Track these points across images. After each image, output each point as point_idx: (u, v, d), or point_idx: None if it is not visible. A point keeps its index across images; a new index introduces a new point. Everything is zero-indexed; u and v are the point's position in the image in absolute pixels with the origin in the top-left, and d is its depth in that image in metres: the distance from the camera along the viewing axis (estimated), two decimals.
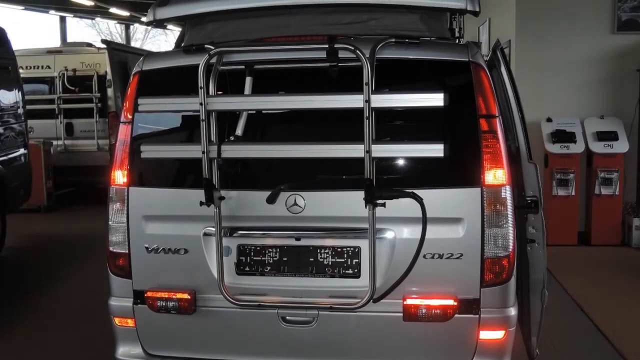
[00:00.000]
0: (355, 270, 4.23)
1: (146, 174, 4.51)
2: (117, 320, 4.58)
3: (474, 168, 4.07)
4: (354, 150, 3.81)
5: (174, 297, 4.34)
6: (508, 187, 4.09)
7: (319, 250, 4.27)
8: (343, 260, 4.25)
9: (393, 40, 4.06)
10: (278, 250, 4.33)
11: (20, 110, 11.39)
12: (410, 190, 3.88)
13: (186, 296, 4.32)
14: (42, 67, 14.94)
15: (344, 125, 4.23)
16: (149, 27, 45.93)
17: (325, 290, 4.24)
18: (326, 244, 4.27)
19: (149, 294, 4.39)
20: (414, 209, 3.87)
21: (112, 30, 49.57)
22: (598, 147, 10.21)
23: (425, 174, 4.21)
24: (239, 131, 4.16)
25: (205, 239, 4.33)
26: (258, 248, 4.35)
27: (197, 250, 4.35)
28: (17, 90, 11.31)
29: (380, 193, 3.84)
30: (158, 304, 4.37)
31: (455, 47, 4.49)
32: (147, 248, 4.41)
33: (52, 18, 35.36)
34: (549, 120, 10.40)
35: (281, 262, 4.32)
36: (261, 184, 4.31)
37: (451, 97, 3.81)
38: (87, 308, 7.48)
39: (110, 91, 14.68)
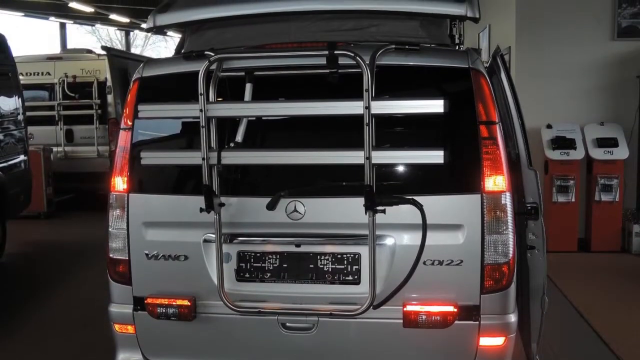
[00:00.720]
0: (355, 277, 4.23)
1: (146, 180, 4.52)
2: (117, 327, 4.58)
3: (474, 174, 4.07)
4: (354, 157, 3.82)
5: (174, 303, 4.34)
6: (508, 194, 4.09)
7: (319, 257, 4.27)
8: (343, 266, 4.25)
9: (393, 46, 4.07)
10: (278, 256, 4.33)
11: (20, 117, 11.39)
12: (410, 197, 3.89)
13: (186, 303, 4.32)
14: (42, 73, 14.94)
15: (344, 132, 4.23)
16: (149, 34, 45.97)
17: (325, 297, 4.24)
18: (326, 250, 4.27)
19: (149, 300, 4.39)
20: (414, 216, 3.87)
21: (112, 36, 49.68)
22: (598, 154, 10.21)
23: (425, 181, 4.21)
24: (239, 138, 4.16)
25: (205, 245, 4.33)
26: (258, 254, 4.34)
27: (197, 256, 4.35)
28: (17, 97, 11.31)
29: (380, 199, 3.84)
30: (158, 310, 4.36)
31: (455, 54, 4.49)
32: (147, 254, 4.41)
33: (52, 25, 35.41)
34: (549, 126, 10.40)
35: (281, 268, 4.32)
36: (261, 191, 4.31)
37: (451, 103, 3.82)
38: (87, 314, 7.48)
39: (110, 98, 14.67)
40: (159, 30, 4.67)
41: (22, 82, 12.04)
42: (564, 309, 7.67)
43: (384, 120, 3.95)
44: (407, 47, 4.12)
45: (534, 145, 6.66)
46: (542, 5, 10.59)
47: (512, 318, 4.26)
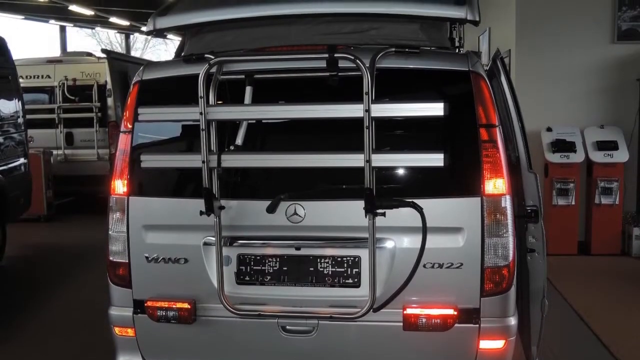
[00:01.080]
0: (355, 280, 4.23)
1: (146, 183, 4.52)
2: (117, 330, 4.58)
3: (474, 177, 4.07)
4: (354, 160, 3.81)
5: (174, 306, 4.34)
6: (508, 197, 4.09)
7: (319, 260, 4.27)
8: (343, 269, 4.24)
9: (393, 49, 4.07)
10: (278, 259, 4.33)
11: (20, 120, 11.39)
12: (410, 200, 3.88)
13: (186, 306, 4.32)
14: (42, 76, 14.94)
15: (344, 135, 4.23)
16: (149, 37, 46.03)
17: (325, 300, 4.24)
18: (326, 253, 4.27)
19: (149, 303, 4.39)
20: (414, 219, 3.86)
21: (112, 39, 49.79)
22: (598, 157, 10.21)
23: (425, 184, 4.21)
24: (239, 141, 4.16)
25: (205, 248, 4.33)
26: (258, 257, 4.34)
27: (197, 259, 4.34)
28: (17, 100, 11.31)
29: (380, 202, 3.84)
30: (158, 313, 4.36)
31: (455, 57, 4.50)
32: (147, 257, 4.41)
33: (52, 27, 35.46)
34: (549, 129, 10.40)
35: (281, 271, 4.32)
36: (261, 194, 4.31)
37: (451, 106, 3.81)
38: (87, 317, 7.48)
39: (110, 101, 14.68)
40: (159, 33, 4.67)
41: (22, 85, 12.04)
42: (564, 312, 7.67)
43: (384, 123, 3.95)
44: (407, 50, 4.12)
45: (534, 148, 6.67)
46: (542, 8, 10.59)
47: (512, 321, 4.25)
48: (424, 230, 3.87)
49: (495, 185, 4.06)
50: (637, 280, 9.10)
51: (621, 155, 10.19)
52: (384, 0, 4.35)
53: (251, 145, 4.29)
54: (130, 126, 4.45)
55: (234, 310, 4.18)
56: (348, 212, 4.11)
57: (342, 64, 3.89)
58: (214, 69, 4.04)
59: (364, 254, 4.10)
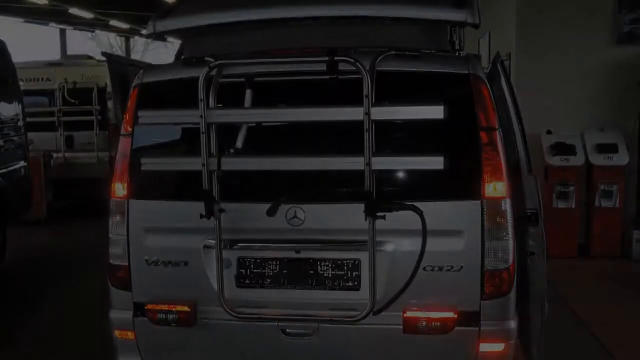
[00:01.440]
0: (355, 283, 4.22)
1: (146, 186, 4.52)
2: (117, 333, 4.58)
3: (474, 180, 4.07)
4: (354, 163, 3.81)
5: (174, 309, 4.33)
6: (508, 200, 4.09)
7: (319, 263, 4.27)
8: (343, 272, 4.24)
9: (393, 52, 4.06)
10: (278, 262, 4.33)
11: (20, 123, 11.38)
12: (410, 203, 3.89)
13: (186, 309, 4.32)
14: (42, 79, 14.92)
15: (344, 138, 4.22)
16: (149, 40, 46.00)
17: (326, 303, 4.24)
18: (326, 256, 4.27)
19: (149, 306, 4.39)
20: (414, 222, 3.87)
21: (112, 42, 49.74)
22: (598, 160, 10.18)
23: (425, 186, 4.21)
24: (238, 144, 4.16)
25: (205, 251, 4.33)
26: (258, 260, 4.34)
27: (197, 262, 4.34)
28: (17, 103, 11.30)
29: (380, 205, 3.84)
30: (158, 316, 4.36)
31: (455, 60, 4.50)
32: (147, 260, 4.41)
33: (52, 30, 35.49)
34: (549, 132, 10.37)
35: (281, 274, 4.32)
36: (261, 197, 4.30)
37: (451, 109, 3.79)
38: (87, 320, 7.45)
39: (110, 103, 14.66)
40: (159, 36, 4.67)
41: (22, 88, 12.02)
42: (564, 315, 7.65)
43: (384, 126, 3.94)
44: (407, 53, 4.11)
45: (533, 151, 6.66)
46: (542, 11, 10.57)
47: (512, 324, 4.26)
48: (424, 233, 3.87)
49: (495, 188, 4.06)
50: (637, 283, 9.09)
51: (621, 158, 10.17)
52: (384, 3, 4.35)
53: (251, 148, 4.29)
54: (130, 129, 4.45)
55: (234, 313, 4.18)
56: (348, 215, 4.10)
57: (342, 67, 3.88)
58: (214, 72, 4.04)
59: (364, 256, 4.09)
